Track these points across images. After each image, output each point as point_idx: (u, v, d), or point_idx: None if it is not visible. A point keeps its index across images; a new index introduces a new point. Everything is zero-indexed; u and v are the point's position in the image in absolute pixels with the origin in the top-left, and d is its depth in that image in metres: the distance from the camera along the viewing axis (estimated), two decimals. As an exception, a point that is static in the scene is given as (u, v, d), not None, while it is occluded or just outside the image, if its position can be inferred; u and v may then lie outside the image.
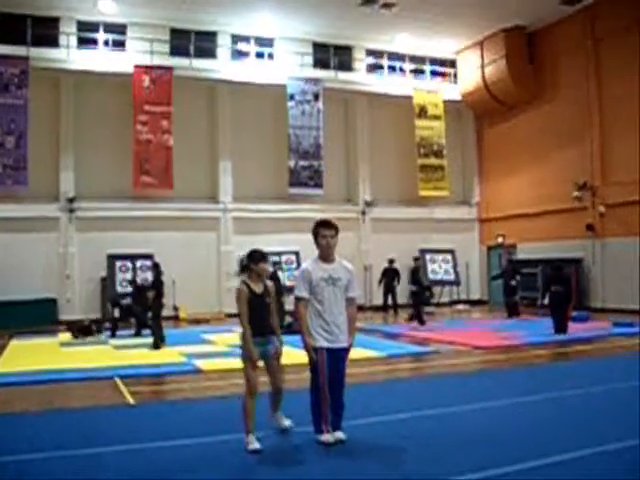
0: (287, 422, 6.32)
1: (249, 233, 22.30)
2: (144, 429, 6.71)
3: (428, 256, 25.02)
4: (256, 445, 5.72)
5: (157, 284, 13.93)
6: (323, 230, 5.99)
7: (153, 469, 5.32)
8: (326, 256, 6.03)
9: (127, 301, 16.94)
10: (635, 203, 19.40)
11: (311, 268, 6.01)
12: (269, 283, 6.30)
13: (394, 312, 21.70)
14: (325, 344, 5.87)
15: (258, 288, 6.16)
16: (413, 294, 18.05)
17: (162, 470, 5.29)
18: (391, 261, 21.49)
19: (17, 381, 9.75)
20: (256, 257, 6.23)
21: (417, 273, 18.36)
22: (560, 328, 14.44)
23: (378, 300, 22.74)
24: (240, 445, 5.85)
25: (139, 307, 15.65)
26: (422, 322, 16.96)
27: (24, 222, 20.15)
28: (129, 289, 20.61)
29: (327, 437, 5.80)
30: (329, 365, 5.90)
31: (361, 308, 20.87)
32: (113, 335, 15.66)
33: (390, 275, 22.22)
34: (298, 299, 5.98)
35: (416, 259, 20.33)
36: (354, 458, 5.52)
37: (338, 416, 5.98)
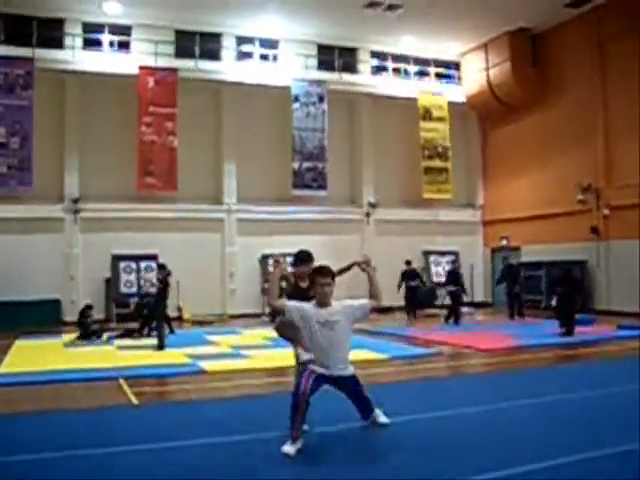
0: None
1: (253, 234, 22.34)
2: (148, 430, 6.72)
3: (432, 258, 25.05)
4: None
5: (164, 286, 13.96)
6: (320, 278, 6.02)
7: (157, 470, 5.33)
8: (323, 303, 6.03)
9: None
10: (639, 206, 19.35)
11: (307, 308, 6.04)
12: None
13: (414, 315, 20.10)
14: (319, 370, 5.88)
15: (304, 283, 6.55)
16: (454, 294, 18.93)
17: (166, 471, 5.30)
18: (408, 262, 20.89)
19: (21, 381, 9.76)
20: (300, 258, 6.73)
21: (458, 275, 19.29)
22: (568, 329, 14.47)
23: (384, 302, 22.62)
24: (244, 446, 5.85)
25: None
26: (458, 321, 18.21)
27: (29, 223, 20.18)
28: (133, 289, 20.75)
29: (288, 448, 5.64)
30: (344, 393, 6.13)
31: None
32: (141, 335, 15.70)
33: (411, 277, 21.20)
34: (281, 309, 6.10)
35: (453, 262, 20.66)
36: (355, 460, 5.51)
37: (369, 409, 6.25)
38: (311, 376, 5.81)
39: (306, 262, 6.65)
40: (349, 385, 6.08)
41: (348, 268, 7.06)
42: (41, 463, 5.52)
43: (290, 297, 6.37)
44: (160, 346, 13.07)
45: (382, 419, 6.29)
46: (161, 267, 14.68)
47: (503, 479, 4.90)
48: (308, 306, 6.05)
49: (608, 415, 6.93)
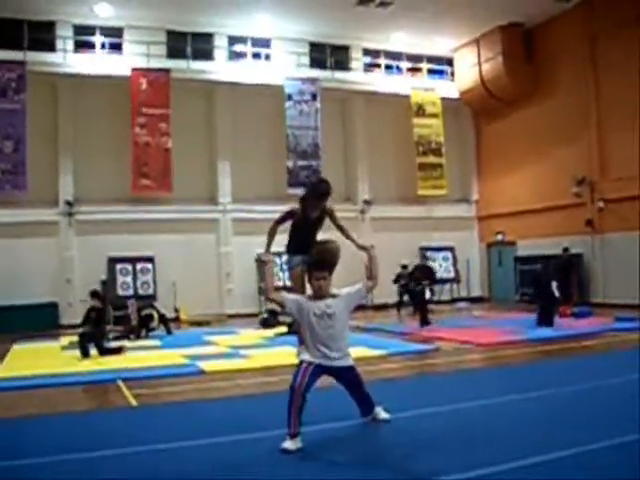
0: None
1: (249, 234, 22.27)
2: (147, 431, 6.70)
3: (428, 254, 25.11)
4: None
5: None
6: (316, 273, 5.92)
7: (157, 471, 5.31)
8: (319, 296, 5.98)
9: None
10: (634, 198, 19.41)
11: (303, 301, 6.02)
12: None
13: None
14: (317, 361, 5.85)
15: (315, 212, 6.97)
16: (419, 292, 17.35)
17: (167, 472, 5.29)
18: (425, 258, 20.59)
19: (19, 385, 9.72)
20: (319, 191, 6.95)
21: (424, 270, 18.34)
22: (550, 319, 14.81)
23: (379, 299, 22.64)
24: (244, 446, 5.85)
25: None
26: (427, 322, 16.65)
27: (24, 227, 20.15)
28: (130, 291, 20.74)
29: (288, 444, 5.61)
30: (345, 387, 6.10)
31: (363, 307, 20.82)
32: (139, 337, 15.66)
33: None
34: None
35: (424, 257, 19.16)
36: (356, 456, 5.51)
37: (366, 402, 6.20)
38: (308, 370, 5.78)
39: (325, 197, 6.77)
40: (349, 376, 6.05)
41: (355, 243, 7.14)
42: (41, 467, 5.50)
43: (295, 227, 6.65)
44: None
45: (383, 415, 6.30)
46: (94, 295, 13.23)
47: (505, 472, 4.90)
48: (304, 299, 6.04)
49: (608, 407, 6.94)
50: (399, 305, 19.88)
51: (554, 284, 15.36)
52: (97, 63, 21.31)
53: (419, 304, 17.19)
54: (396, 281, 19.94)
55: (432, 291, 17.75)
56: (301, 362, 5.90)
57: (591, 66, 21.28)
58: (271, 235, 6.93)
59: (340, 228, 7.20)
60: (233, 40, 23.22)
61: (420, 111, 25.41)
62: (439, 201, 25.81)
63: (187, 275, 21.66)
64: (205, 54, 22.77)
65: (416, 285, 17.32)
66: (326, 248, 6.24)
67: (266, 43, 23.65)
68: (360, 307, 19.79)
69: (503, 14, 22.48)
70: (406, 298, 19.09)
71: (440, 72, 26.34)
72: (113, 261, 21.19)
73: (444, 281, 25.03)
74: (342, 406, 6.44)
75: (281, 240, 7.45)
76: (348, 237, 7.17)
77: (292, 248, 7.48)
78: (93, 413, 7.88)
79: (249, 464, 5.40)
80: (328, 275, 5.93)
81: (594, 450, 5.36)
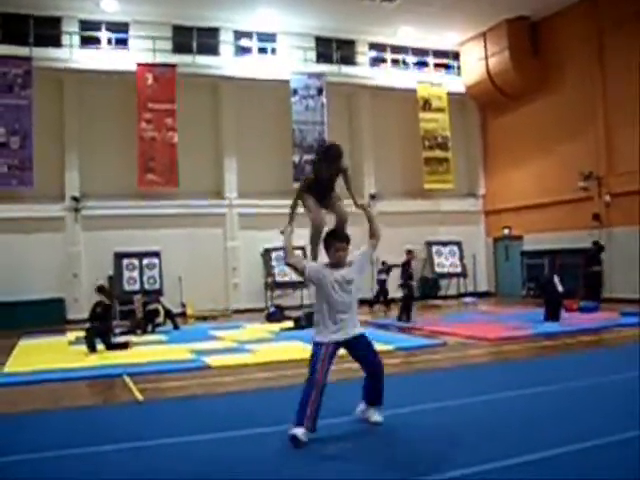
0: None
1: (255, 228, 22.34)
2: (153, 426, 6.72)
3: (434, 248, 25.09)
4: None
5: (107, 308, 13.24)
6: (337, 243, 6.12)
7: (164, 466, 5.33)
8: (338, 265, 6.10)
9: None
10: (641, 192, 19.35)
11: (323, 269, 6.09)
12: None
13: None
14: (333, 338, 5.91)
15: (327, 172, 6.62)
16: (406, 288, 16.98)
17: (173, 466, 5.30)
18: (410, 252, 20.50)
19: (26, 380, 9.78)
20: (331, 155, 6.64)
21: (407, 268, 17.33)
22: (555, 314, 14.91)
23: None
24: (250, 440, 5.86)
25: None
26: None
27: (30, 222, 20.19)
28: (137, 286, 20.78)
29: (299, 433, 5.63)
30: (359, 357, 6.08)
31: (368, 302, 20.81)
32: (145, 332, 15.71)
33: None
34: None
35: (408, 252, 17.97)
36: (363, 451, 5.52)
37: (378, 392, 6.15)
38: (326, 355, 5.85)
39: (337, 160, 6.60)
40: (362, 343, 6.08)
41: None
42: (47, 462, 5.53)
43: (309, 187, 6.61)
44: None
45: (375, 417, 6.21)
46: (100, 290, 13.33)
47: (509, 468, 4.90)
48: (323, 267, 6.12)
49: (613, 403, 6.93)
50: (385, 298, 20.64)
51: (556, 279, 15.36)
52: (103, 58, 21.30)
53: (409, 301, 16.79)
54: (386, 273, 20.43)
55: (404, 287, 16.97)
56: (317, 345, 5.93)
57: (598, 60, 21.16)
58: (293, 208, 6.85)
59: (349, 187, 7.02)
60: (239, 35, 23.20)
61: (426, 105, 25.34)
62: (445, 195, 25.75)
63: (193, 270, 21.69)
64: (211, 49, 22.75)
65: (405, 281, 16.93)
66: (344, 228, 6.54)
67: (272, 38, 23.62)
68: (364, 302, 19.79)
69: (509, 8, 22.37)
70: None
71: (446, 66, 26.26)
72: (119, 256, 21.24)
73: (450, 275, 25.08)
74: (341, 401, 6.45)
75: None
76: (351, 195, 7.06)
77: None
78: (99, 408, 7.92)
79: (254, 459, 5.41)
80: (347, 246, 6.15)
81: (599, 446, 5.36)
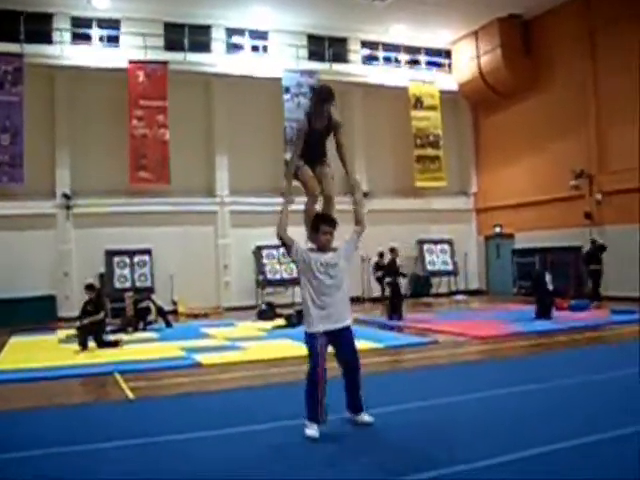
0: None
1: (246, 226, 22.32)
2: (144, 424, 6.71)
3: (426, 246, 25.12)
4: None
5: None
6: (324, 226, 6.19)
7: (156, 464, 5.32)
8: (324, 249, 6.18)
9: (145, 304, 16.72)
10: (632, 191, 19.38)
11: (309, 252, 6.17)
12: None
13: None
14: (322, 327, 5.94)
15: (321, 123, 6.58)
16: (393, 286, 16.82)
17: (165, 464, 5.29)
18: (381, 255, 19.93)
19: (17, 378, 9.75)
20: (322, 97, 6.56)
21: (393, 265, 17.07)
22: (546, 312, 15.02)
23: (377, 292, 22.67)
24: (242, 438, 5.85)
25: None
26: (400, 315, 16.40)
27: (21, 220, 20.08)
28: (128, 284, 20.73)
29: (312, 432, 5.73)
30: (338, 350, 6.07)
31: (359, 300, 20.89)
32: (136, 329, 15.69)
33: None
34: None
35: (392, 250, 17.40)
36: (352, 449, 5.52)
37: (357, 399, 6.12)
38: (322, 346, 5.90)
39: (328, 100, 6.51)
40: (346, 338, 6.09)
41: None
42: (38, 459, 5.51)
43: (305, 142, 6.51)
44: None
45: (366, 419, 6.18)
46: (90, 288, 13.19)
47: (502, 465, 4.91)
48: (310, 250, 6.18)
49: (604, 400, 6.95)
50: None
51: (547, 277, 15.41)
52: (94, 55, 21.20)
53: (398, 298, 16.69)
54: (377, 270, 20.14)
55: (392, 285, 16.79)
56: (310, 336, 5.95)
57: (589, 59, 21.22)
58: (290, 178, 6.80)
59: (340, 147, 6.84)
60: (231, 32, 23.14)
61: (418, 103, 25.35)
62: (437, 193, 25.78)
63: (185, 267, 21.66)
64: (203, 46, 22.68)
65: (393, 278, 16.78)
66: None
67: (264, 35, 23.58)
68: (356, 299, 19.80)
69: (501, 6, 22.41)
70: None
71: (438, 64, 26.27)
72: (111, 254, 21.17)
73: (442, 273, 25.12)
74: (333, 400, 6.45)
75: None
76: (344, 162, 6.88)
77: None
78: (90, 406, 7.89)
79: (248, 456, 5.41)
80: (333, 230, 6.21)
81: (592, 442, 5.37)
